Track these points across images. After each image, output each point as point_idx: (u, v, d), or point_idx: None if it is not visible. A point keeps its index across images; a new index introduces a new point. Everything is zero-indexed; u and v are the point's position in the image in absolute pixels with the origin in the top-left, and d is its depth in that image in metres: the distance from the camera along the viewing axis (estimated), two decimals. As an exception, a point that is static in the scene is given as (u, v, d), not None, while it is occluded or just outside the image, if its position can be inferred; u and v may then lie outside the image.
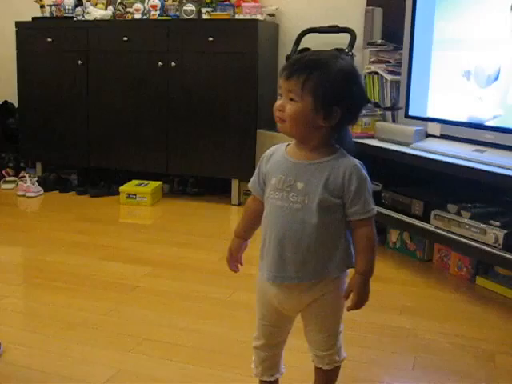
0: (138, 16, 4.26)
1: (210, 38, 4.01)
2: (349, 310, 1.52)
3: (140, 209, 4.11)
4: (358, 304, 1.50)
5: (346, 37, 3.96)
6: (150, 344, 2.16)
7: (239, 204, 4.26)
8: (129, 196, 4.16)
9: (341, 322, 1.60)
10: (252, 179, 1.61)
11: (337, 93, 1.42)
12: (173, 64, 4.11)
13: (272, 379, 1.67)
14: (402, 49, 3.40)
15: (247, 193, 4.29)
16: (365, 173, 1.47)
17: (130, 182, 4.29)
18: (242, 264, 1.69)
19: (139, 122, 4.32)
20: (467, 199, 2.89)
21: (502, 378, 2.04)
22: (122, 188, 4.20)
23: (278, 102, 1.45)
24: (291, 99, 1.42)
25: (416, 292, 2.78)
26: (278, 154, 1.54)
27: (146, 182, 4.28)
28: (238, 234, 1.68)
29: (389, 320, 2.39)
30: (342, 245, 1.50)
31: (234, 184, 4.25)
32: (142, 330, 2.27)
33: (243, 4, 4.13)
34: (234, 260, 1.69)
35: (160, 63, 4.13)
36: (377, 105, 1.53)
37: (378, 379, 2.02)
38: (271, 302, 1.57)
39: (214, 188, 4.48)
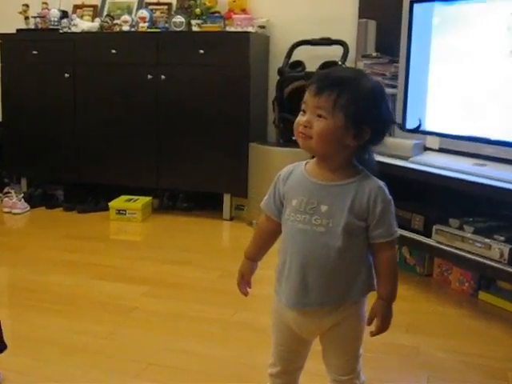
0: (126, 28, 4.19)
1: (201, 51, 3.95)
2: (373, 335, 1.47)
3: (130, 225, 4.02)
4: (382, 329, 1.46)
5: (339, 49, 3.93)
6: (155, 369, 2.08)
7: (231, 219, 4.19)
8: (118, 212, 4.07)
9: (361, 346, 1.54)
10: (266, 198, 1.55)
11: (368, 111, 1.37)
12: (162, 77, 4.04)
13: (289, 407, 1.60)
14: (397, 61, 3.37)
15: (239, 207, 4.24)
16: (389, 195, 1.42)
17: (120, 198, 4.20)
18: (250, 287, 1.62)
19: (128, 136, 4.24)
20: (468, 213, 2.86)
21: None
22: (111, 204, 4.12)
23: (303, 118, 1.38)
24: (319, 116, 1.36)
25: (419, 308, 2.74)
26: (296, 173, 1.49)
27: (135, 197, 4.20)
28: (249, 256, 1.61)
29: (396, 339, 2.34)
30: (364, 268, 1.45)
31: (226, 199, 4.18)
32: (146, 354, 2.20)
33: (234, 16, 4.08)
34: (245, 282, 1.61)
35: (149, 76, 4.06)
36: (401, 127, 1.47)
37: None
38: (289, 327, 1.51)
39: (204, 203, 4.40)
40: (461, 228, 2.77)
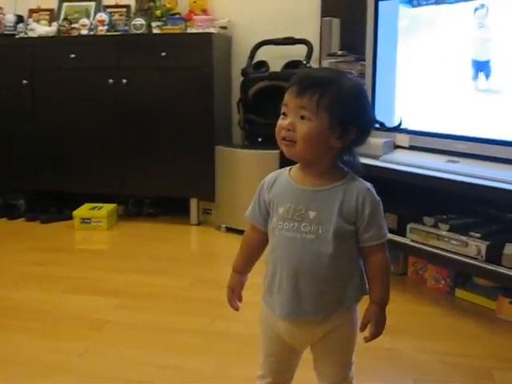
0: (84, 32, 4.08)
1: (163, 53, 3.86)
2: (367, 341, 1.43)
3: (96, 234, 3.91)
4: (377, 334, 1.42)
5: (303, 48, 3.89)
6: (135, 386, 2.00)
7: (199, 224, 4.12)
8: (83, 221, 3.96)
9: (353, 353, 1.49)
10: (250, 208, 1.50)
11: (353, 110, 1.34)
12: (124, 81, 3.94)
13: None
14: (363, 59, 3.34)
15: (207, 212, 4.17)
16: (377, 196, 1.38)
17: (83, 206, 4.08)
18: (241, 301, 1.56)
19: (90, 142, 4.12)
20: (441, 211, 2.84)
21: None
22: (75, 213, 4.00)
23: (286, 121, 1.33)
24: (302, 118, 1.31)
25: (397, 308, 2.69)
26: (281, 180, 1.44)
27: (100, 205, 4.08)
28: (237, 269, 1.55)
29: (378, 342, 2.27)
30: (357, 272, 1.42)
31: (193, 203, 4.11)
32: (123, 370, 2.11)
33: (195, 17, 4.01)
34: (235, 297, 1.55)
35: (110, 80, 3.95)
36: (383, 125, 1.43)
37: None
38: (280, 337, 1.46)
39: (171, 208, 4.31)
40: (435, 226, 2.75)
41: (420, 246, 2.78)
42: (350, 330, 1.45)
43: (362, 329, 1.42)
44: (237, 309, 1.55)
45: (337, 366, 1.48)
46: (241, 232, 3.69)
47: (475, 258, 2.54)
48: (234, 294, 1.54)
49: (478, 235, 2.58)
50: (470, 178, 2.60)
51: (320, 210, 1.35)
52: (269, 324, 1.48)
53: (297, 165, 1.43)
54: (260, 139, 3.97)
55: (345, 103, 1.32)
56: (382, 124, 1.44)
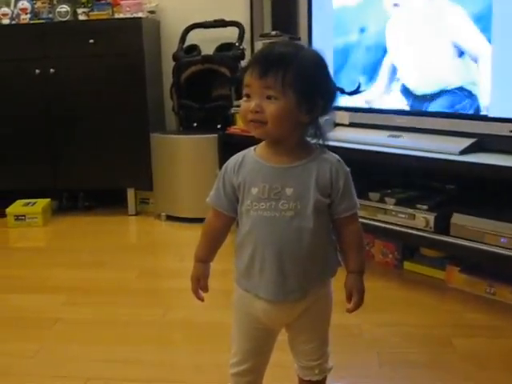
0: (6, 21, 3.87)
1: (91, 40, 3.73)
2: (351, 311, 1.42)
3: (32, 230, 3.76)
4: (359, 303, 1.41)
5: (233, 30, 3.84)
6: (96, 384, 1.93)
7: (137, 214, 4.03)
8: (17, 218, 3.80)
9: (329, 328, 1.49)
10: (213, 193, 1.43)
11: (317, 82, 1.31)
12: (52, 71, 3.79)
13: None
14: (297, 38, 3.33)
15: (144, 201, 4.09)
16: (347, 167, 1.37)
17: (16, 203, 3.92)
18: (207, 291, 1.49)
19: (18, 136, 3.94)
20: (385, 186, 2.87)
21: (466, 362, 2.02)
22: (8, 210, 3.83)
23: (252, 104, 1.29)
24: (269, 98, 1.27)
25: (348, 285, 2.72)
26: (248, 161, 1.39)
27: (33, 200, 3.93)
28: (201, 259, 1.48)
29: (336, 319, 2.27)
30: (332, 245, 1.41)
31: (130, 193, 4.01)
32: (82, 368, 2.03)
33: (122, 2, 3.87)
34: (202, 288, 1.48)
35: (37, 71, 3.79)
36: (342, 91, 1.41)
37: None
38: (258, 320, 1.42)
39: (107, 199, 4.19)
40: (382, 201, 2.77)
41: (367, 221, 2.78)
42: (327, 305, 1.45)
43: (349, 300, 1.41)
44: (202, 299, 1.49)
45: (316, 341, 1.46)
46: (182, 220, 3.71)
47: (424, 230, 2.59)
48: (200, 285, 1.48)
49: (425, 207, 2.61)
50: (411, 151, 2.64)
51: (297, 186, 1.33)
52: (246, 308, 1.43)
53: (261, 143, 1.39)
54: (195, 124, 3.92)
55: (308, 77, 1.29)
56: (342, 90, 1.41)
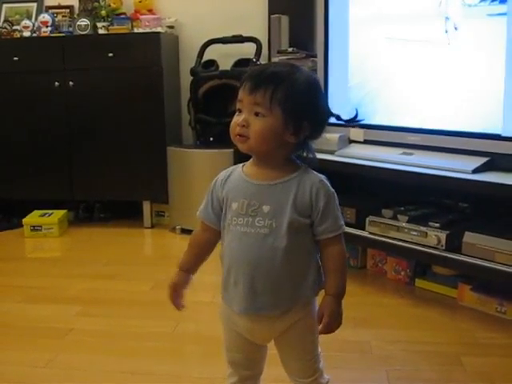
0: (27, 34, 3.96)
1: (110, 54, 3.79)
2: (320, 333, 1.40)
3: (48, 241, 3.81)
4: (330, 327, 1.38)
5: (251, 46, 3.88)
6: (106, 395, 1.95)
7: (152, 227, 4.07)
8: (34, 228, 3.85)
9: (318, 345, 1.48)
10: (202, 207, 1.46)
11: (306, 105, 1.32)
12: (71, 83, 3.85)
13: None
14: (313, 56, 3.36)
15: (160, 214, 4.12)
16: (331, 188, 1.37)
17: (33, 213, 3.97)
18: (182, 299, 1.49)
19: (37, 148, 4.01)
20: (398, 203, 2.88)
21: (476, 381, 2.02)
22: (25, 220, 3.89)
23: (240, 118, 1.31)
24: (256, 114, 1.30)
25: (360, 301, 2.72)
26: (234, 176, 1.42)
27: (50, 211, 3.98)
28: (184, 268, 1.50)
29: (346, 335, 2.30)
30: (313, 266, 1.39)
31: (146, 206, 4.05)
32: (92, 379, 2.05)
33: (141, 17, 3.95)
34: (179, 296, 1.50)
35: (57, 83, 3.85)
36: (339, 118, 1.42)
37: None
38: (241, 334, 1.44)
39: (123, 212, 4.24)
40: (395, 218, 2.78)
41: (380, 238, 2.81)
42: (311, 324, 1.43)
43: (319, 321, 1.39)
44: (182, 308, 1.50)
45: (302, 359, 1.47)
46: (197, 233, 3.72)
47: (435, 248, 2.59)
48: (177, 293, 1.49)
49: (437, 225, 2.62)
50: (424, 169, 2.66)
51: (274, 204, 1.34)
52: (229, 321, 1.46)
53: (250, 160, 1.41)
54: (212, 138, 3.95)
55: (298, 99, 1.30)
56: (338, 117, 1.42)
